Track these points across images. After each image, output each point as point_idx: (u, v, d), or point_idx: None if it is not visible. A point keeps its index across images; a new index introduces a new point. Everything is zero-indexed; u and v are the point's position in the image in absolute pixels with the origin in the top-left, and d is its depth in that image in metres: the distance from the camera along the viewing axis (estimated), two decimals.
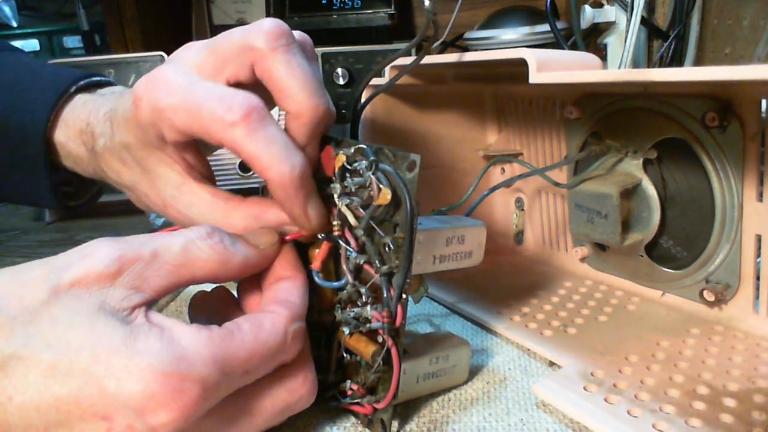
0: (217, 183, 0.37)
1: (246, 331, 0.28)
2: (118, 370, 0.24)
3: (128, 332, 0.25)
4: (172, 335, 0.26)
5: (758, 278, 0.39)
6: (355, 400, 0.33)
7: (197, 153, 0.35)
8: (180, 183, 0.34)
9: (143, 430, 0.25)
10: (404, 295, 0.30)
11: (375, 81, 0.49)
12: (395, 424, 0.34)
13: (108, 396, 0.24)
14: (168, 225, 0.42)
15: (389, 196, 0.30)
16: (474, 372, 0.39)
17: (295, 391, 0.30)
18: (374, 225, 0.31)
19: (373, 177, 0.31)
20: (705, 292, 0.41)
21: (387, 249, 0.31)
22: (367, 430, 0.34)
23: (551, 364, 0.40)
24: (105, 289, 0.26)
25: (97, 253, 0.27)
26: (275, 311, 0.30)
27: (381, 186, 0.30)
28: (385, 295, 0.31)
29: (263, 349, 0.28)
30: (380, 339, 0.31)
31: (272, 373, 0.30)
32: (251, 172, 0.71)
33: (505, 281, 0.52)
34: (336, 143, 0.34)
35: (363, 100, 0.46)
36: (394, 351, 0.31)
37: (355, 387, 0.33)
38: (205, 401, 0.26)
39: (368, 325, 0.32)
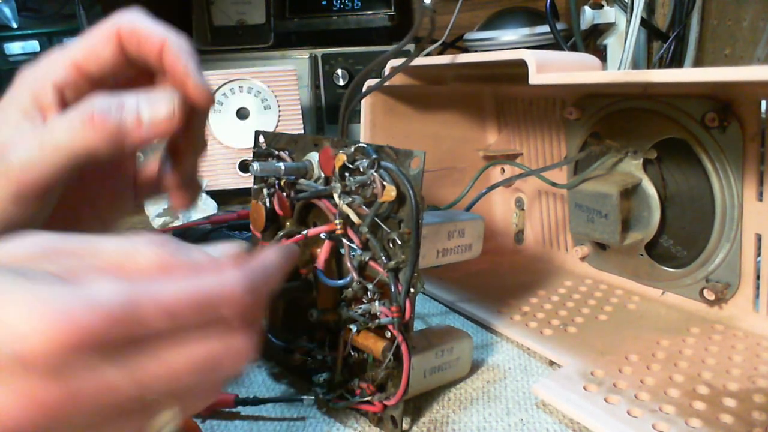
0: (217, 181, 0.37)
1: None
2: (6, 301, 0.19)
3: (23, 274, 0.21)
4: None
5: (758, 277, 0.39)
6: (365, 399, 0.33)
7: None
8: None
9: (17, 365, 0.19)
10: (412, 290, 0.31)
11: (374, 81, 0.49)
12: (407, 420, 0.34)
13: None
14: (166, 225, 0.42)
15: (394, 193, 0.30)
16: (474, 371, 0.39)
17: (225, 353, 0.25)
18: (379, 222, 0.31)
19: (376, 174, 0.31)
20: (705, 291, 0.41)
21: (392, 245, 0.31)
22: (377, 428, 0.34)
23: (551, 363, 0.40)
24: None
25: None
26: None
27: (385, 183, 0.30)
28: (392, 291, 0.31)
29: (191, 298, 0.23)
30: (388, 335, 0.32)
31: (205, 328, 0.24)
32: (250, 173, 0.71)
33: (505, 280, 0.52)
34: (333, 143, 0.34)
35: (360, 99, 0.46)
36: (404, 346, 0.31)
37: (364, 385, 0.33)
38: (100, 344, 0.20)
39: (377, 321, 0.32)
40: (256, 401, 0.35)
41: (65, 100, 0.31)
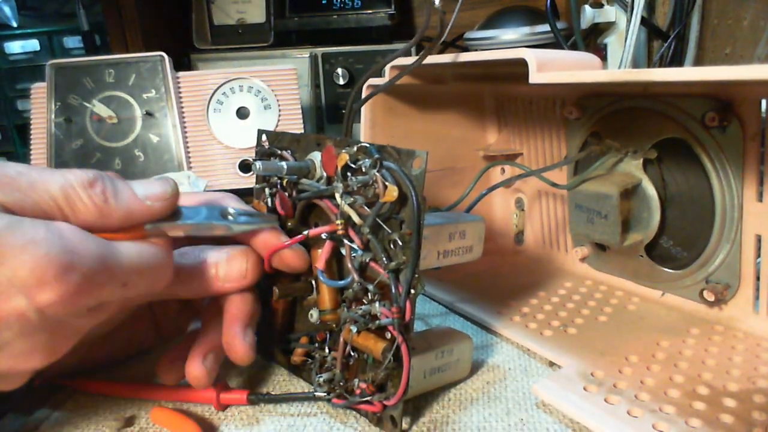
0: (217, 182, 0.39)
1: (129, 247, 0.29)
2: (8, 249, 0.25)
3: (13, 219, 0.26)
4: (59, 228, 0.27)
5: (758, 278, 0.39)
6: (365, 399, 0.33)
7: None
8: None
9: (29, 308, 0.25)
10: (412, 291, 0.31)
11: (375, 81, 0.49)
12: (407, 420, 0.34)
13: None
14: None
15: (395, 193, 0.30)
16: (474, 371, 0.39)
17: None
18: (381, 222, 0.31)
19: (378, 174, 0.31)
20: (705, 292, 0.41)
21: (393, 246, 0.31)
22: (376, 428, 0.34)
23: (551, 364, 0.40)
24: None
25: None
26: (158, 244, 0.31)
27: (387, 183, 0.30)
28: (393, 292, 0.31)
29: (143, 267, 0.30)
30: (388, 335, 0.32)
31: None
32: (251, 173, 0.71)
33: (505, 281, 0.52)
34: (335, 142, 0.34)
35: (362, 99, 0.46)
36: (404, 347, 0.31)
37: (364, 385, 0.33)
38: (87, 293, 0.27)
39: (377, 321, 0.32)
40: (270, 399, 0.36)
41: None
